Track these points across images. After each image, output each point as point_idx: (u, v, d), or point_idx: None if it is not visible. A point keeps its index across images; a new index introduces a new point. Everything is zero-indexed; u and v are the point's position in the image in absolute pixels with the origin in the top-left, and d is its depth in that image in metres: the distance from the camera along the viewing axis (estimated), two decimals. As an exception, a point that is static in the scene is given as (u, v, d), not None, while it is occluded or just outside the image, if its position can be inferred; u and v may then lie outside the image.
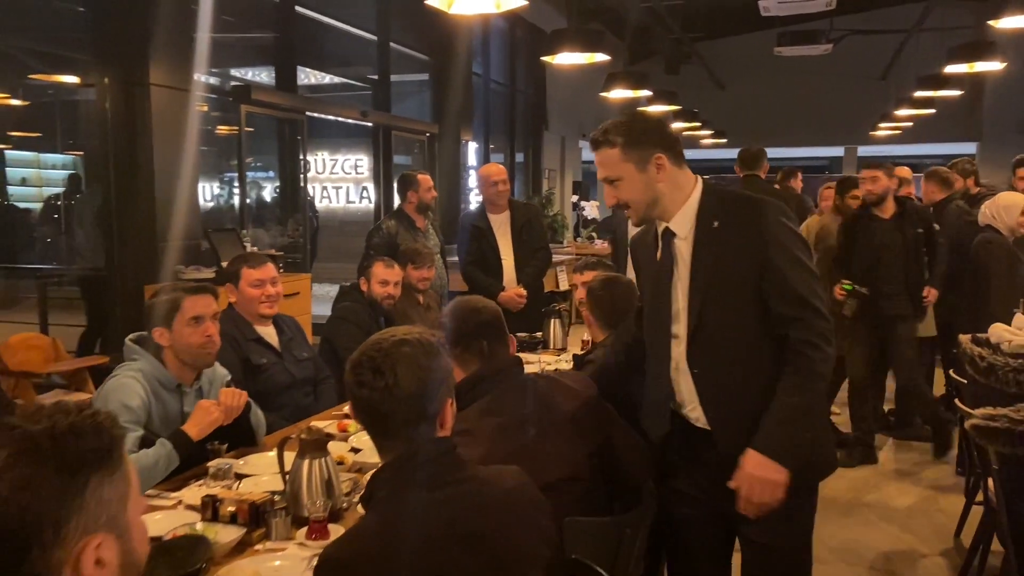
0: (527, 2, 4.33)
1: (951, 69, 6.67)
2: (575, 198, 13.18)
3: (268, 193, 8.55)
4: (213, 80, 6.08)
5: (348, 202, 10.69)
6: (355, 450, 2.34)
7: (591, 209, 12.05)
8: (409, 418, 1.33)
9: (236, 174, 6.44)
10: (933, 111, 10.30)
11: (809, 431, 1.79)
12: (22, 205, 9.91)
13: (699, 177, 1.92)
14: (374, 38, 8.14)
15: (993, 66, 6.37)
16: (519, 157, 12.18)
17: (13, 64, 6.17)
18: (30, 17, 5.30)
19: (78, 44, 5.17)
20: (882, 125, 12.54)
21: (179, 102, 5.06)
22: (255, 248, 5.65)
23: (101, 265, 5.15)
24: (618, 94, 7.58)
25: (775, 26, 11.24)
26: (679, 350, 1.88)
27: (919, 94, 8.89)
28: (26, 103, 8.07)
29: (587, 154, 15.63)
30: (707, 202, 1.86)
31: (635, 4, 10.65)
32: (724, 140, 13.90)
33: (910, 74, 9.94)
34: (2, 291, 6.76)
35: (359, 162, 10.55)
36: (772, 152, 18.50)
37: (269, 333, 2.88)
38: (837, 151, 16.86)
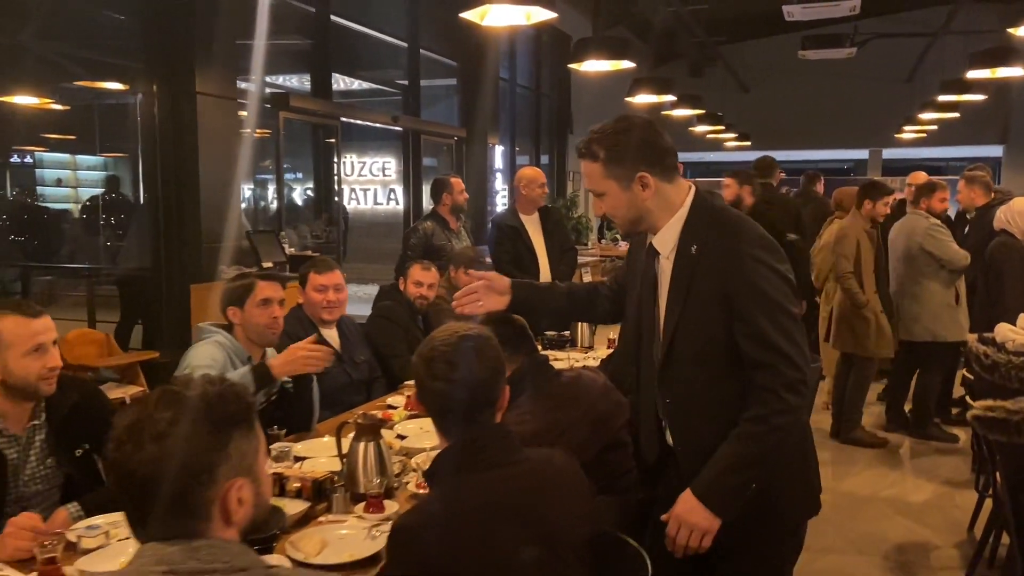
0: (556, 15, 4.53)
1: (973, 75, 6.75)
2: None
3: (302, 195, 8.80)
4: (251, 87, 6.32)
5: (376, 204, 10.89)
6: (401, 436, 2.54)
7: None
8: (476, 405, 1.51)
9: (271, 176, 6.69)
10: (957, 115, 10.32)
11: (754, 482, 1.68)
12: (59, 206, 10.22)
13: (693, 187, 1.81)
14: (404, 45, 8.36)
15: (1016, 72, 6.45)
16: (544, 159, 12.35)
17: (61, 70, 6.45)
18: (82, 27, 5.56)
19: (130, 53, 5.42)
20: (906, 128, 12.56)
21: (223, 110, 5.29)
22: (293, 249, 5.90)
23: (148, 265, 5.40)
24: (643, 99, 7.74)
25: (799, 29, 11.32)
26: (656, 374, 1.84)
27: (943, 98, 8.94)
28: (66, 107, 8.37)
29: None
30: (692, 222, 1.76)
31: (660, 9, 10.78)
32: (748, 143, 13.97)
33: (935, 77, 9.98)
34: (48, 289, 7.04)
35: (387, 165, 10.76)
36: (796, 155, 18.54)
37: (332, 336, 3.09)
38: (861, 154, 16.85)
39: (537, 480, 1.52)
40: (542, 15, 4.48)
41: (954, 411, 5.02)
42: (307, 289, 3.05)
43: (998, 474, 2.69)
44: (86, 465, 2.01)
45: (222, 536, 1.02)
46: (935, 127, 12.27)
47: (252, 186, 7.91)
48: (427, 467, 2.11)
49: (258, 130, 6.94)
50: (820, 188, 6.59)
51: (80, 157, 10.73)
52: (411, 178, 8.60)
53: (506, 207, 7.30)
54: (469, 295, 2.06)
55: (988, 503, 3.24)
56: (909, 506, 3.92)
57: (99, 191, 11.67)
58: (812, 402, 1.90)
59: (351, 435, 2.11)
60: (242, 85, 5.61)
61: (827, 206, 5.82)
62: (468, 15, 4.52)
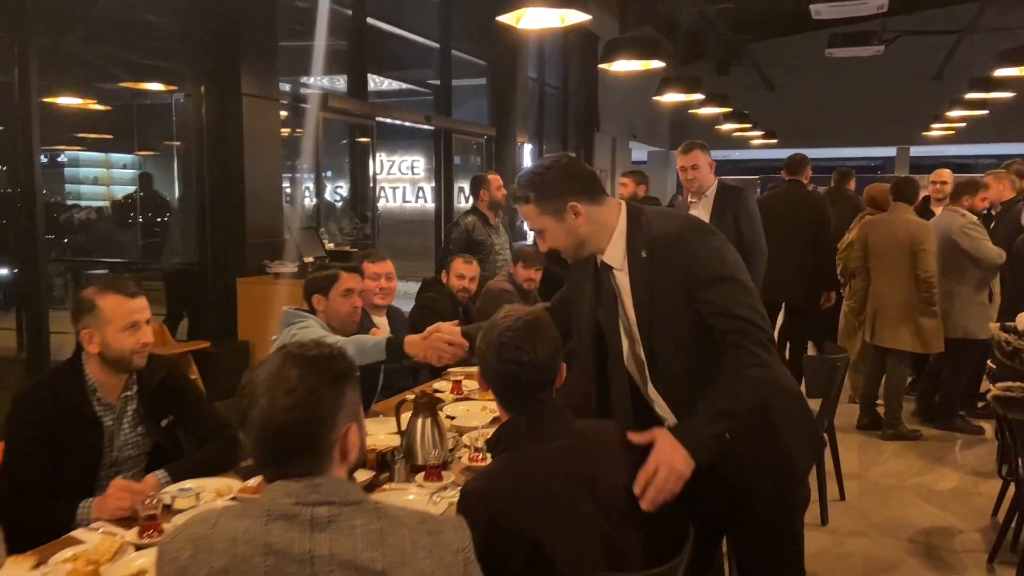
0: (590, 16, 4.68)
1: (1002, 72, 6.80)
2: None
3: (334, 194, 9.01)
4: (288, 87, 6.54)
5: (404, 201, 11.09)
6: (450, 417, 2.71)
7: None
8: (541, 383, 1.67)
9: (304, 174, 6.91)
10: (986, 112, 10.32)
11: (728, 433, 1.79)
12: (96, 203, 10.51)
13: (622, 203, 1.94)
14: (436, 46, 8.54)
15: (1044, 69, 6.49)
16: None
17: (112, 73, 6.71)
18: (133, 32, 5.80)
19: (179, 57, 5.65)
20: (935, 126, 12.54)
21: (265, 110, 5.50)
22: (332, 244, 6.10)
23: (195, 260, 5.63)
24: (671, 98, 7.86)
25: (827, 27, 11.34)
26: (645, 374, 1.95)
27: (972, 95, 8.96)
28: (106, 108, 8.66)
29: (637, 154, 15.87)
30: (633, 231, 1.90)
31: (686, 9, 10.86)
32: (775, 140, 14.01)
33: (964, 74, 9.99)
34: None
35: (415, 163, 10.96)
36: (824, 152, 18.47)
37: (382, 322, 3.31)
38: (889, 151, 16.80)
39: (591, 449, 1.68)
40: (576, 17, 4.63)
41: (980, 404, 5.11)
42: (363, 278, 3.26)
43: (1020, 460, 2.80)
44: (170, 435, 2.21)
45: (337, 475, 1.20)
46: (963, 124, 12.24)
47: (291, 184, 8.16)
48: (478, 443, 2.30)
49: (295, 128, 7.18)
50: (851, 186, 6.65)
51: (113, 156, 11.02)
52: (442, 176, 8.78)
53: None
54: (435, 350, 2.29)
55: (1011, 490, 3.34)
56: (934, 494, 4.03)
57: (130, 189, 11.98)
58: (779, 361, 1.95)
59: (409, 412, 2.28)
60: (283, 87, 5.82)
61: (858, 203, 5.90)
62: (504, 18, 4.67)
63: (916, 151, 15.84)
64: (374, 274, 3.23)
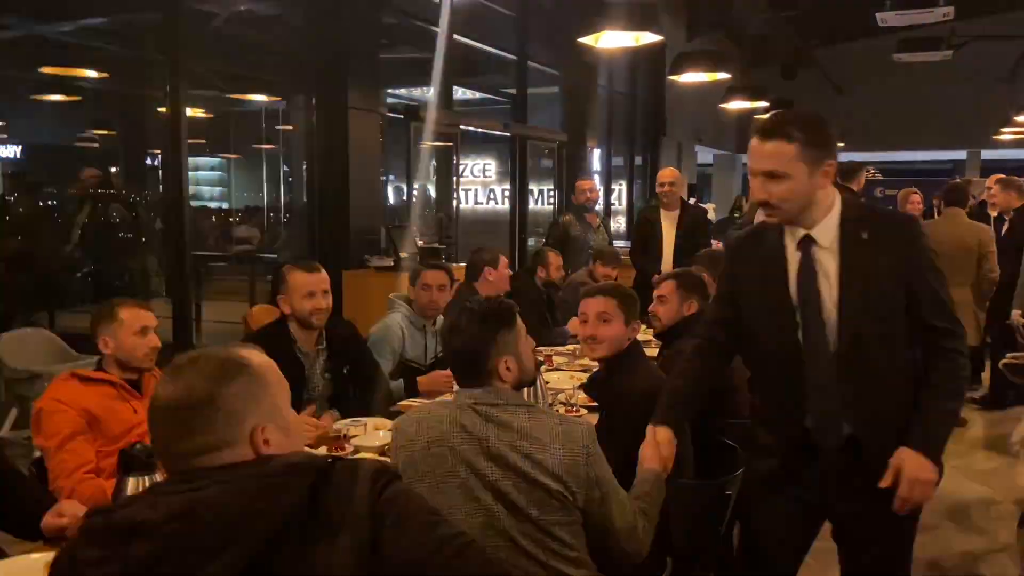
0: (662, 37, 5.17)
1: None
2: (692, 200, 13.74)
3: (425, 194, 9.67)
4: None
5: (476, 203, 11.67)
6: (546, 382, 3.26)
7: (710, 212, 12.61)
8: None
9: (395, 177, 7.56)
10: (1057, 115, 10.37)
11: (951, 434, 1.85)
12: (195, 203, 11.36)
13: (837, 188, 1.93)
14: (514, 58, 9.13)
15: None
16: (638, 161, 12.90)
17: (232, 86, 7.50)
18: (254, 50, 6.54)
19: (294, 72, 6.35)
20: (1005, 129, 12.54)
21: (367, 121, 6.15)
22: (422, 242, 6.73)
23: (304, 255, 6.31)
24: (736, 105, 8.26)
25: (894, 32, 11.50)
26: (830, 364, 1.87)
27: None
28: (210, 115, 9.50)
29: (702, 157, 16.14)
30: (850, 212, 1.87)
31: (753, 18, 11.18)
32: (842, 144, 14.12)
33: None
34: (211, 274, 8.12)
35: (487, 166, 11.54)
36: (892, 155, 18.26)
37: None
38: (960, 154, 16.70)
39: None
40: (649, 38, 5.13)
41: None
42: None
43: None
44: (346, 382, 2.83)
45: (502, 387, 1.77)
46: (1035, 127, 12.24)
47: (387, 187, 8.85)
48: (572, 400, 2.85)
49: (392, 137, 7.86)
50: (859, 184, 6.44)
51: (200, 159, 11.88)
52: (517, 180, 9.35)
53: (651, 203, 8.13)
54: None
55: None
56: (977, 472, 4.41)
57: (217, 190, 12.85)
58: None
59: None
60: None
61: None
62: (584, 40, 5.20)
63: (988, 154, 15.73)
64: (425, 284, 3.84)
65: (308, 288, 2.74)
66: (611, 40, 5.13)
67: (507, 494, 1.63)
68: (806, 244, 1.87)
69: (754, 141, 1.84)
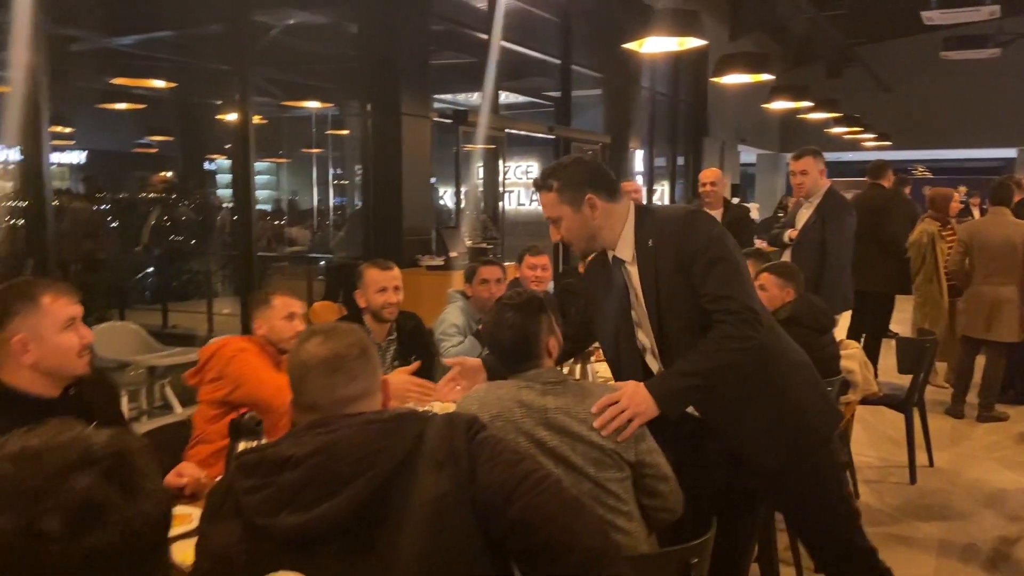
0: (707, 41, 5.32)
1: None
2: (735, 200, 13.78)
3: (473, 195, 9.93)
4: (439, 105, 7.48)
5: (519, 204, 11.88)
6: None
7: (753, 211, 12.65)
8: None
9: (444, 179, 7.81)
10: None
11: (698, 391, 1.98)
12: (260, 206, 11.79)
13: (632, 203, 2.13)
14: (558, 62, 9.33)
15: None
16: (680, 161, 12.99)
17: (289, 94, 7.85)
18: (311, 60, 6.87)
19: (349, 80, 6.65)
20: (1057, 125, 12.35)
21: (419, 126, 6.41)
22: (470, 242, 6.97)
23: (359, 254, 6.60)
24: (779, 105, 8.34)
25: (941, 29, 11.42)
26: (657, 363, 2.13)
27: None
28: (264, 121, 9.88)
29: (745, 156, 16.14)
30: (640, 225, 2.08)
31: (798, 17, 11.21)
32: (889, 143, 14.02)
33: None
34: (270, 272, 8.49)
35: (529, 168, 11.74)
36: (940, 153, 17.97)
37: None
38: (1010, 152, 16.43)
39: None
40: (693, 43, 5.28)
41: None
42: (522, 267, 4.07)
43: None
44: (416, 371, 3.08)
45: (549, 365, 1.98)
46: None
47: (437, 189, 9.13)
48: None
49: (441, 142, 8.13)
50: (888, 181, 6.33)
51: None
52: (561, 181, 9.54)
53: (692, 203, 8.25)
54: (449, 384, 2.39)
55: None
56: (1016, 463, 4.48)
57: (266, 193, 13.22)
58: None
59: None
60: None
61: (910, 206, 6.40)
62: (628, 45, 5.37)
63: (1039, 151, 15.47)
64: (532, 264, 4.04)
65: (381, 284, 3.01)
66: (655, 45, 5.28)
67: (566, 457, 1.83)
68: (616, 264, 2.14)
69: None
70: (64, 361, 1.79)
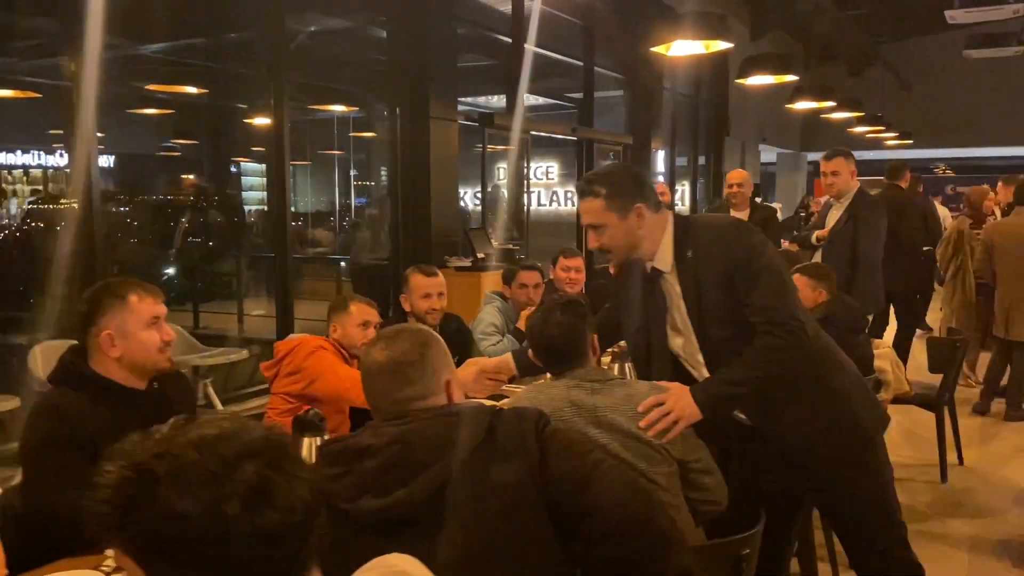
0: (732, 44, 5.36)
1: None
2: (757, 199, 13.75)
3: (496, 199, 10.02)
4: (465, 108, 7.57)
5: (539, 205, 11.95)
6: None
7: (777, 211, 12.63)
8: None
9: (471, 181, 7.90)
10: None
11: (741, 398, 2.04)
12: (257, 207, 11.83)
13: (669, 213, 2.12)
14: (580, 64, 9.40)
15: None
16: (701, 160, 13.01)
17: (320, 98, 7.96)
18: (342, 65, 6.97)
19: (378, 84, 6.75)
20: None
21: (446, 129, 6.50)
22: (497, 243, 7.06)
23: (386, 256, 6.70)
24: (803, 106, 8.35)
25: (964, 28, 11.37)
26: (697, 371, 2.14)
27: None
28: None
29: (766, 156, 16.11)
30: (678, 235, 2.08)
31: (820, 17, 11.20)
32: (910, 141, 13.96)
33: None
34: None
35: (550, 169, 11.80)
36: (964, 152, 17.82)
37: None
38: (1034, 149, 16.31)
39: None
40: (719, 45, 5.33)
41: None
42: (556, 268, 4.14)
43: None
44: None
45: (594, 365, 2.05)
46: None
47: (464, 191, 9.22)
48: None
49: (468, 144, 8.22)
50: (905, 181, 6.32)
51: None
52: (584, 182, 9.61)
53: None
54: (494, 380, 2.44)
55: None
56: (1047, 463, 4.51)
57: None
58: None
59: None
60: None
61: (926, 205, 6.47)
62: (656, 49, 5.42)
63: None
64: (566, 267, 4.11)
65: (425, 290, 3.10)
66: (682, 48, 5.34)
67: (618, 453, 1.90)
68: (655, 275, 2.13)
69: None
70: (147, 356, 1.90)
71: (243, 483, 0.75)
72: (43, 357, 4.12)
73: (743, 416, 2.17)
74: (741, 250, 2.00)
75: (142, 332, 1.89)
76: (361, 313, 2.82)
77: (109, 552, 1.76)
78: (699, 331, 2.08)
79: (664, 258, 2.10)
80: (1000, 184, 6.08)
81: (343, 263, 8.18)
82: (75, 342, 1.98)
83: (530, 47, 7.08)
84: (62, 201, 7.76)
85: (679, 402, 1.92)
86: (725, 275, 2.00)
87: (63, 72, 4.42)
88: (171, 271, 7.99)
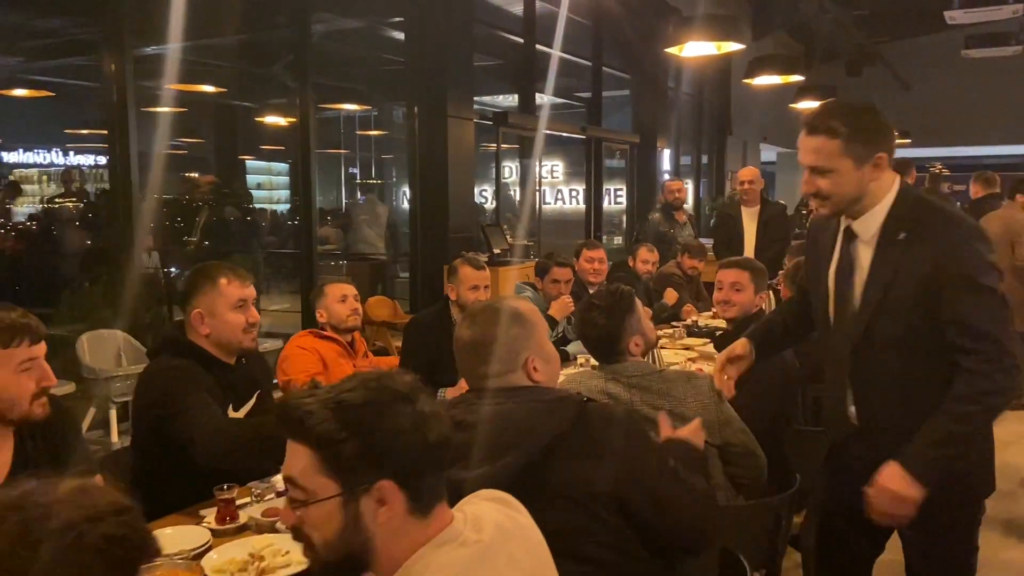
0: (744, 45, 5.54)
1: None
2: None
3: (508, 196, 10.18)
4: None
5: (544, 203, 12.10)
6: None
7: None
8: None
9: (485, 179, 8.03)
10: None
11: (961, 459, 1.72)
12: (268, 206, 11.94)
13: (897, 176, 1.80)
14: (589, 64, 9.57)
15: None
16: (704, 159, 13.19)
17: (341, 97, 8.13)
18: (365, 66, 7.13)
19: (397, 83, 6.91)
20: (1078, 122, 12.45)
21: (463, 128, 6.66)
22: (511, 238, 7.23)
23: (405, 251, 6.86)
24: (807, 105, 8.53)
25: (962, 28, 11.54)
26: (846, 360, 1.87)
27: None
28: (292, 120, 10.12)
29: (766, 155, 16.27)
30: (898, 208, 1.77)
31: (821, 17, 11.37)
32: (908, 140, 14.10)
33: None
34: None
35: (555, 167, 11.95)
36: (963, 151, 17.97)
37: None
38: (1031, 148, 16.51)
39: None
40: (731, 46, 5.51)
41: None
42: (580, 260, 4.31)
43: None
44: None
45: (636, 359, 2.18)
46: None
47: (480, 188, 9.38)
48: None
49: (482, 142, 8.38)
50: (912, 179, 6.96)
51: (276, 164, 12.54)
52: (592, 180, 9.79)
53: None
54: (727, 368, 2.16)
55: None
56: (1051, 448, 4.69)
57: (285, 193, 13.43)
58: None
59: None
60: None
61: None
62: (670, 49, 5.59)
63: (1060, 148, 15.53)
64: (589, 258, 4.28)
65: (474, 282, 3.25)
66: (695, 50, 5.53)
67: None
68: (847, 236, 1.85)
69: (801, 134, 1.79)
70: (231, 336, 2.06)
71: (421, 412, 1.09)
72: (89, 346, 4.30)
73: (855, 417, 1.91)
74: (968, 256, 1.69)
75: (228, 313, 2.05)
76: (336, 290, 3.03)
77: (204, 512, 1.94)
78: (865, 319, 1.79)
79: (869, 225, 1.79)
80: (972, 181, 6.35)
81: (345, 260, 8.33)
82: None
83: (556, 52, 7.24)
84: (81, 200, 7.90)
85: (890, 484, 1.68)
86: (932, 275, 1.69)
87: (103, 72, 4.58)
88: (192, 265, 8.10)
